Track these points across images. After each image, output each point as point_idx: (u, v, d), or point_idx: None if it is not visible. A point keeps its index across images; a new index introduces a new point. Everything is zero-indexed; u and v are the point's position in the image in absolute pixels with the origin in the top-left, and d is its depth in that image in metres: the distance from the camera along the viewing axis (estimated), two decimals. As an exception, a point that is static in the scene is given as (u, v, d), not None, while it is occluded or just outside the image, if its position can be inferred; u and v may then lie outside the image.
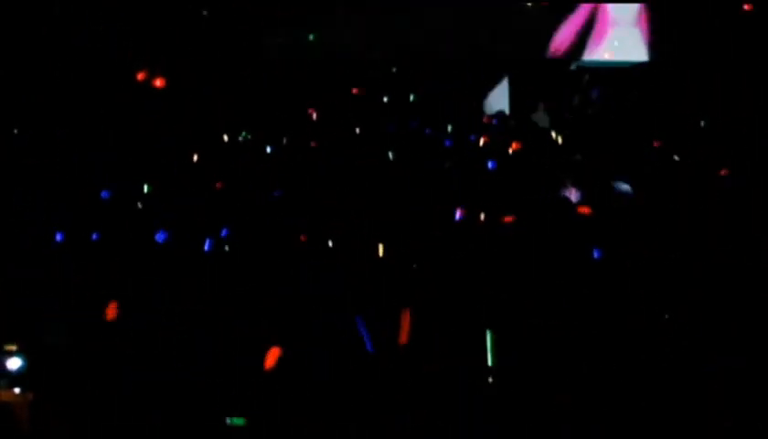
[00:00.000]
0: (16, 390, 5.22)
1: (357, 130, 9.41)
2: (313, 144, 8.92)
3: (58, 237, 6.74)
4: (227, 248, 6.84)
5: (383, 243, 6.94)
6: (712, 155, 9.16)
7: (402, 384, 5.32)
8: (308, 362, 5.45)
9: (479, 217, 7.62)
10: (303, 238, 7.01)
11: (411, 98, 10.48)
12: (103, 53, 10.11)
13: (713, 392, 5.25)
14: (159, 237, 6.74)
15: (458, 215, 7.51)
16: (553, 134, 9.86)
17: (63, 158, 8.06)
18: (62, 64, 9.93)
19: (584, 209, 7.56)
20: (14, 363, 5.33)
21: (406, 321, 5.61)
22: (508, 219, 7.25)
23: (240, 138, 9.18)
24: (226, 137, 8.94)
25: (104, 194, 7.37)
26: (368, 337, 5.51)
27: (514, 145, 9.04)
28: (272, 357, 5.16)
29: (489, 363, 5.48)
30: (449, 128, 9.58)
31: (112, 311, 5.67)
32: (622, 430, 5.08)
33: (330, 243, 7.05)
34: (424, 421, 5.11)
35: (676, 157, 9.23)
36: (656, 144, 9.62)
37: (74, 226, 6.83)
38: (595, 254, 6.76)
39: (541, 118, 10.56)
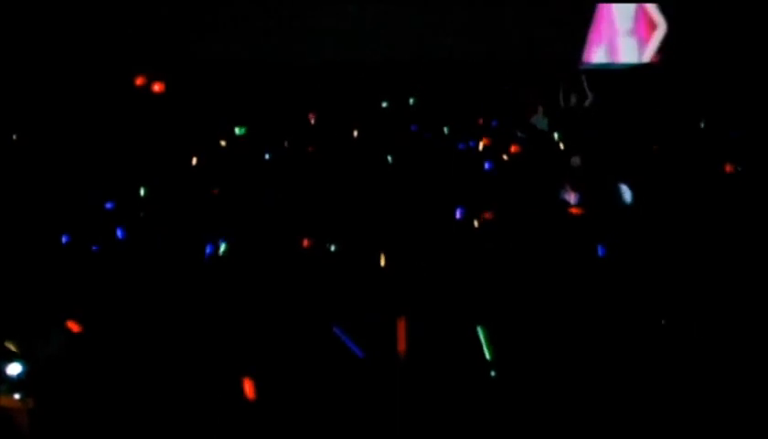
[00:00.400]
0: (16, 396, 5.22)
1: (355, 133, 9.40)
2: (310, 148, 8.91)
3: (63, 240, 6.75)
4: (222, 249, 6.86)
5: (382, 248, 6.95)
6: (712, 156, 9.17)
7: (402, 389, 5.35)
8: (307, 367, 5.47)
9: (477, 219, 7.64)
10: (305, 243, 7.02)
11: (411, 101, 10.45)
12: (99, 55, 10.11)
13: (713, 392, 5.27)
14: (119, 234, 6.77)
15: (458, 214, 7.52)
16: (554, 136, 9.87)
17: (61, 165, 8.06)
18: (58, 66, 9.92)
19: (576, 210, 7.58)
20: (14, 369, 5.33)
21: (402, 329, 5.63)
22: (488, 215, 7.25)
23: (238, 131, 9.15)
24: (223, 143, 8.93)
25: (108, 205, 7.39)
26: (353, 345, 5.52)
27: (513, 148, 9.04)
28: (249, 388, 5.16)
29: (487, 358, 5.50)
30: (446, 131, 9.56)
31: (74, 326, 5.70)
32: (621, 426, 5.10)
33: (329, 248, 7.07)
34: (424, 424, 5.14)
35: (676, 158, 9.24)
36: (654, 147, 9.63)
37: (73, 234, 6.85)
38: (599, 252, 6.80)
39: (540, 120, 10.55)
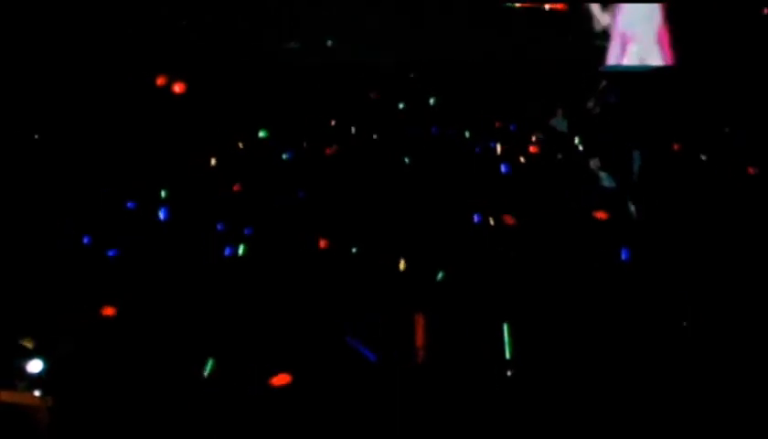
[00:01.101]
0: (36, 394, 5.24)
1: (375, 135, 9.40)
2: (329, 150, 8.92)
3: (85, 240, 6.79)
4: (241, 251, 6.87)
5: (400, 248, 6.95)
6: (735, 159, 9.12)
7: (420, 385, 5.34)
8: (325, 363, 5.47)
9: (496, 221, 7.62)
10: (323, 243, 7.02)
11: (432, 102, 10.42)
12: (120, 56, 10.14)
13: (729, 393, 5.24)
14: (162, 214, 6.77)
15: (476, 218, 7.52)
16: (574, 140, 9.83)
17: (79, 164, 8.10)
18: (80, 66, 9.96)
19: (601, 214, 7.55)
20: (34, 366, 5.35)
21: (420, 325, 5.63)
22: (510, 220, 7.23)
23: (261, 135, 9.16)
24: (241, 145, 8.95)
25: (130, 204, 7.42)
26: (366, 350, 5.54)
27: (531, 150, 9.01)
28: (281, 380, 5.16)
29: (507, 356, 5.49)
30: (466, 134, 9.54)
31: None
32: (636, 425, 5.08)
33: (349, 249, 7.07)
34: (442, 420, 5.13)
35: (701, 157, 9.19)
36: (675, 147, 9.57)
37: (91, 234, 6.89)
38: (623, 255, 6.77)
39: (560, 122, 10.49)
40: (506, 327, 5.53)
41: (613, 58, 11.54)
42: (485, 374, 5.52)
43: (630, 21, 11.60)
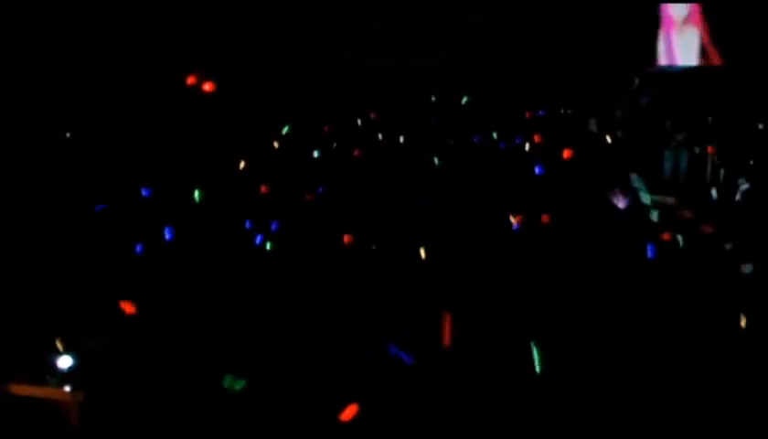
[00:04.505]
0: (66, 389, 5.28)
1: (402, 137, 9.42)
2: (356, 151, 8.95)
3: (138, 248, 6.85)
4: (268, 246, 6.91)
5: (426, 246, 6.95)
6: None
7: (447, 386, 5.32)
8: (348, 361, 5.48)
9: (526, 220, 7.60)
10: (347, 239, 7.03)
11: (464, 100, 10.41)
12: (156, 57, 10.25)
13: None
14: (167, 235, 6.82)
15: (515, 224, 7.50)
16: (608, 138, 9.81)
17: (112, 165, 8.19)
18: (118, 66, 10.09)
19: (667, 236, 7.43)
20: (64, 362, 5.40)
21: (447, 324, 5.61)
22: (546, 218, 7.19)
23: (285, 131, 9.21)
24: (276, 144, 9.00)
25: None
26: (404, 355, 5.52)
27: (566, 153, 8.96)
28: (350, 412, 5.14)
29: (537, 370, 5.46)
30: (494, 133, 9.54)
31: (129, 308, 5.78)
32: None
33: (374, 245, 7.08)
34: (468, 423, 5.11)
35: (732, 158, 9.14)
36: (709, 150, 9.52)
37: (118, 232, 6.96)
38: (649, 253, 6.73)
39: (590, 122, 10.47)
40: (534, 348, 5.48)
41: (685, 59, 11.51)
42: (513, 377, 5.49)
43: (675, 23, 11.56)
